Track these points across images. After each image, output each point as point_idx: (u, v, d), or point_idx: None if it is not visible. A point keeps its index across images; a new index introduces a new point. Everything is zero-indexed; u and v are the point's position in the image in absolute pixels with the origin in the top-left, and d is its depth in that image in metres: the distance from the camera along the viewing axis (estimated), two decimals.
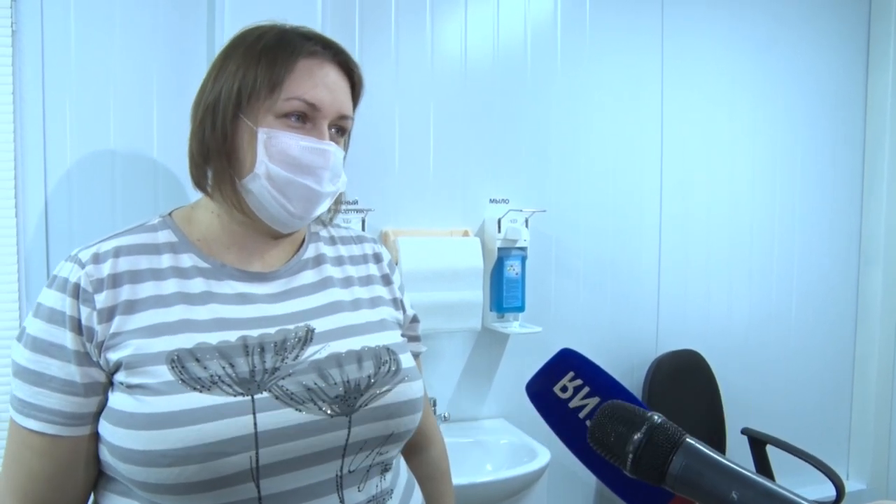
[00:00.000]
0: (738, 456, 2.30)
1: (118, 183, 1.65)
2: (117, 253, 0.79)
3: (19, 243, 1.56)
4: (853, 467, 2.70)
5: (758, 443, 2.19)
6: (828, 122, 2.59)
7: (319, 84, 0.83)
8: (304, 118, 0.83)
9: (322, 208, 0.87)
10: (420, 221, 2.01)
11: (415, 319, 1.03)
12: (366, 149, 1.90)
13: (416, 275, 1.87)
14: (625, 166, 2.27)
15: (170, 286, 0.80)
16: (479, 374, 2.11)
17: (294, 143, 0.81)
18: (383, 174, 1.97)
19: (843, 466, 2.70)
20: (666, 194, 2.34)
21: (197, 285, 0.81)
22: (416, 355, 0.97)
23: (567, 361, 0.68)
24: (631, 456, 0.52)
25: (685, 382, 2.29)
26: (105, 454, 0.76)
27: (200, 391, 0.73)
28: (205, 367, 0.74)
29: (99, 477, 0.80)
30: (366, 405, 0.80)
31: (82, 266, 0.77)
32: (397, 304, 0.98)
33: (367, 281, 0.96)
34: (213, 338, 0.77)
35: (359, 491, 0.82)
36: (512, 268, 2.04)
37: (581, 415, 0.66)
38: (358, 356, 0.83)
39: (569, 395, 0.67)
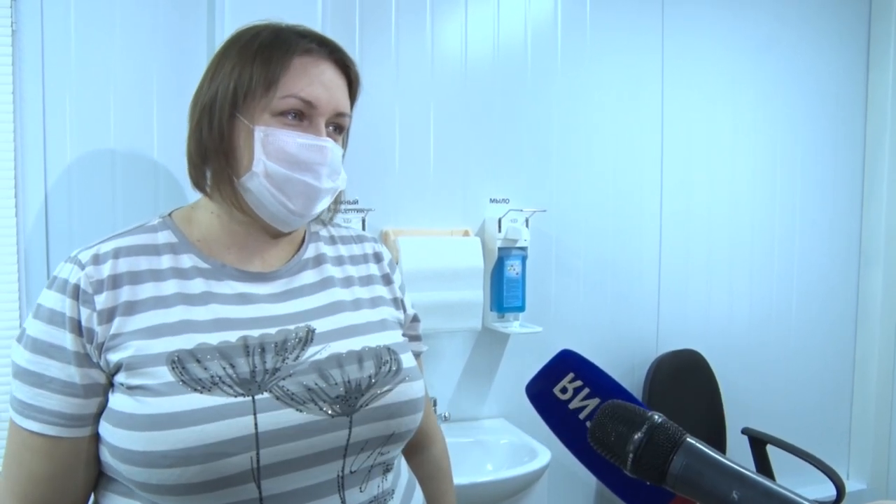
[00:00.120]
0: (738, 456, 2.30)
1: (118, 183, 1.65)
2: (117, 254, 0.79)
3: (19, 243, 1.56)
4: (853, 467, 2.70)
5: (758, 442, 2.19)
6: (828, 121, 2.59)
7: (315, 81, 0.83)
8: (301, 116, 0.83)
9: (322, 205, 0.87)
10: (420, 221, 2.01)
11: (415, 319, 1.02)
12: (366, 148, 1.90)
13: (417, 274, 1.87)
14: (625, 166, 2.27)
15: (170, 287, 0.80)
16: (479, 373, 2.11)
17: (291, 140, 0.81)
18: (384, 174, 1.97)
19: (844, 466, 2.70)
20: (666, 194, 2.34)
21: (197, 286, 0.81)
22: (416, 355, 0.97)
23: (567, 363, 0.68)
24: (631, 455, 0.52)
25: (685, 382, 2.29)
26: (105, 455, 0.76)
27: (201, 392, 0.73)
28: (205, 368, 0.74)
29: (99, 478, 0.80)
30: (367, 405, 0.80)
31: (82, 267, 0.77)
32: (398, 303, 0.98)
33: (367, 281, 0.95)
34: (214, 338, 0.77)
35: (360, 491, 0.81)
36: (512, 267, 2.04)
37: (581, 416, 0.66)
38: (359, 356, 0.83)
39: (569, 397, 0.67)
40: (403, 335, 0.95)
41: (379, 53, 1.94)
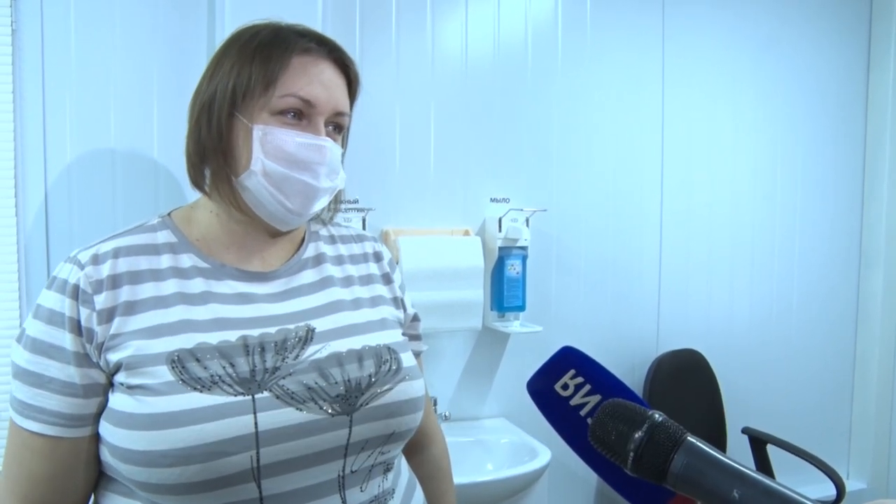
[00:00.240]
0: (738, 455, 2.29)
1: (118, 182, 1.65)
2: (116, 254, 0.79)
3: (19, 243, 1.56)
4: (853, 467, 2.70)
5: (758, 442, 2.19)
6: (829, 121, 2.59)
7: (314, 81, 0.83)
8: (300, 115, 0.83)
9: (320, 204, 0.87)
10: (421, 221, 2.01)
11: (415, 318, 1.02)
12: (366, 148, 1.90)
13: (417, 274, 1.87)
14: (626, 165, 2.27)
15: (169, 286, 0.79)
16: (479, 373, 2.11)
17: (290, 139, 0.81)
18: (384, 173, 1.97)
19: (844, 466, 2.70)
20: (667, 194, 2.34)
21: (197, 285, 0.81)
22: (416, 354, 0.97)
23: (568, 359, 0.68)
24: (632, 454, 0.52)
25: (686, 382, 2.29)
26: (106, 455, 0.76)
27: (201, 391, 0.73)
28: (205, 367, 0.74)
29: (99, 478, 0.80)
30: (367, 404, 0.80)
31: (81, 267, 0.77)
32: (398, 302, 0.98)
33: (367, 280, 0.95)
34: (214, 338, 0.77)
35: (361, 491, 0.81)
36: (513, 267, 2.04)
37: (582, 413, 0.66)
38: (359, 355, 0.83)
39: (570, 393, 0.67)
40: (403, 334, 0.94)
41: (379, 53, 1.94)
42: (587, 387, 0.66)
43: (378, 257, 0.99)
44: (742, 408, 2.43)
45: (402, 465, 0.94)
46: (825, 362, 2.63)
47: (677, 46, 2.32)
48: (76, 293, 0.75)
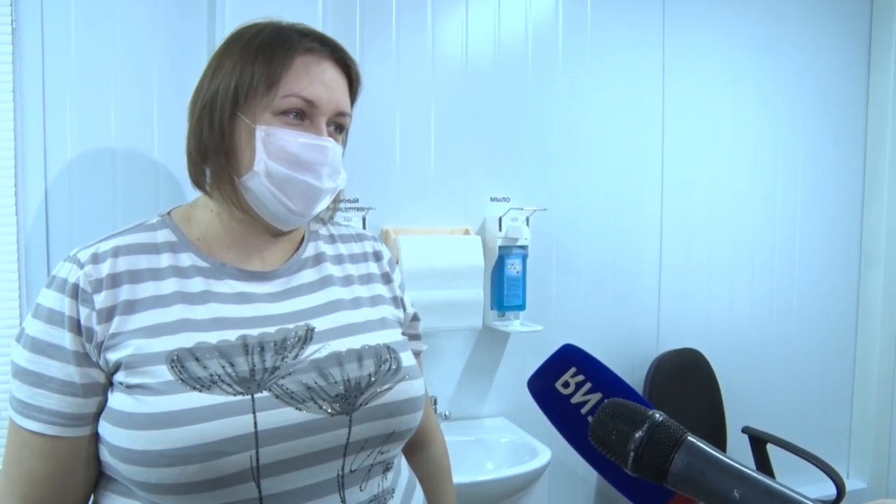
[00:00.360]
0: (738, 455, 2.29)
1: (119, 182, 1.65)
2: (116, 253, 0.79)
3: (19, 242, 1.56)
4: (854, 466, 2.69)
5: (758, 441, 2.19)
6: (829, 120, 2.59)
7: (317, 81, 0.83)
8: (302, 115, 0.83)
9: (322, 205, 0.87)
10: (421, 220, 2.01)
11: (415, 318, 1.02)
12: (367, 147, 1.90)
13: (417, 273, 1.87)
14: (626, 165, 2.27)
15: (169, 286, 0.79)
16: (479, 372, 2.11)
17: (293, 139, 0.81)
18: (384, 173, 1.97)
19: (844, 465, 2.70)
20: (667, 193, 2.34)
21: (196, 284, 0.81)
22: (416, 354, 0.97)
23: (569, 357, 0.68)
24: (632, 454, 0.52)
25: (686, 381, 2.29)
26: (105, 454, 0.76)
27: (200, 391, 0.73)
28: (204, 367, 0.74)
29: (99, 477, 0.80)
30: (366, 404, 0.80)
31: (81, 266, 0.77)
32: (397, 302, 0.98)
33: (367, 279, 0.95)
34: (213, 337, 0.77)
35: (360, 490, 0.81)
36: (513, 266, 2.04)
37: (583, 411, 0.66)
38: (358, 355, 0.83)
39: (571, 391, 0.66)
40: (403, 334, 0.94)
41: (379, 52, 1.94)
42: (588, 385, 0.66)
43: (378, 256, 0.99)
44: (742, 407, 2.43)
45: (402, 464, 0.94)
46: (825, 362, 2.63)
47: (677, 46, 2.32)
48: (76, 292, 0.75)
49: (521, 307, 2.07)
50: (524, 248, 2.07)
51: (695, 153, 2.38)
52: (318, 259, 0.92)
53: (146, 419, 0.71)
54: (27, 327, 0.76)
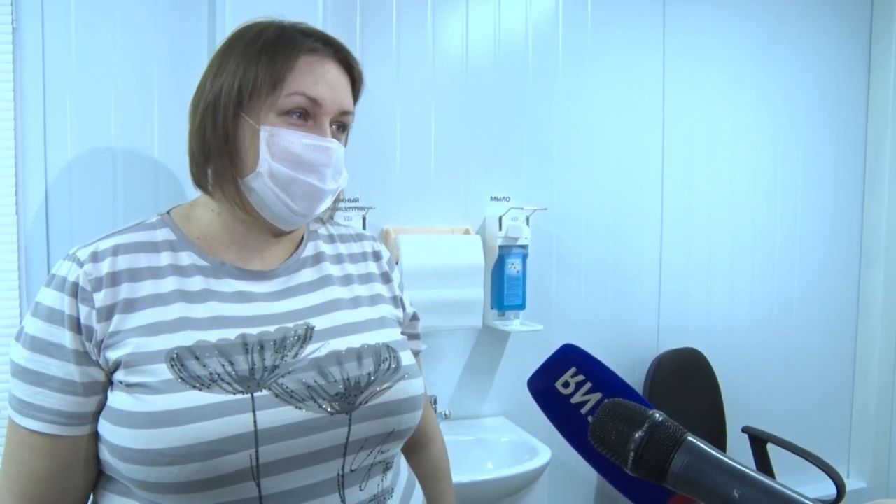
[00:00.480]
0: (738, 454, 2.29)
1: (119, 181, 1.65)
2: (116, 251, 0.79)
3: (20, 241, 1.56)
4: (854, 466, 2.70)
5: (758, 441, 2.19)
6: (829, 120, 2.59)
7: (320, 81, 0.83)
8: (306, 116, 0.83)
9: (325, 205, 0.87)
10: (421, 219, 2.01)
11: (414, 317, 1.02)
12: (367, 147, 1.90)
13: (418, 273, 1.87)
14: (626, 164, 2.27)
15: (169, 284, 0.79)
16: (479, 372, 2.11)
17: (297, 140, 0.81)
18: (384, 172, 1.97)
19: (844, 465, 2.70)
20: (667, 193, 2.34)
21: (196, 283, 0.81)
22: (415, 353, 0.97)
23: (569, 357, 0.68)
24: (632, 454, 0.52)
25: (686, 381, 2.29)
26: (105, 453, 0.76)
27: (200, 389, 0.73)
28: (204, 366, 0.74)
29: (98, 477, 0.80)
30: (366, 403, 0.80)
31: (81, 265, 0.77)
32: (397, 301, 0.98)
33: (366, 279, 0.95)
34: (213, 336, 0.77)
35: (360, 490, 0.81)
36: (513, 266, 2.04)
37: (583, 411, 0.66)
38: (358, 354, 0.83)
39: (571, 391, 0.66)
40: (402, 333, 0.94)
41: (380, 52, 1.94)
42: (588, 385, 0.66)
43: (377, 256, 0.99)
44: (742, 407, 2.43)
45: (402, 464, 0.94)
46: (825, 361, 2.63)
47: (678, 46, 2.32)
48: (75, 291, 0.75)
49: (522, 307, 2.07)
50: (524, 247, 2.07)
51: (695, 153, 2.38)
52: (318, 259, 0.92)
53: (146, 418, 0.71)
54: (27, 326, 0.76)
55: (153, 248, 0.82)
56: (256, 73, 0.80)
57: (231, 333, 0.78)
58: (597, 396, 0.66)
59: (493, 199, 2.08)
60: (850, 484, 2.53)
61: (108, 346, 0.74)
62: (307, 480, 0.77)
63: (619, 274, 2.28)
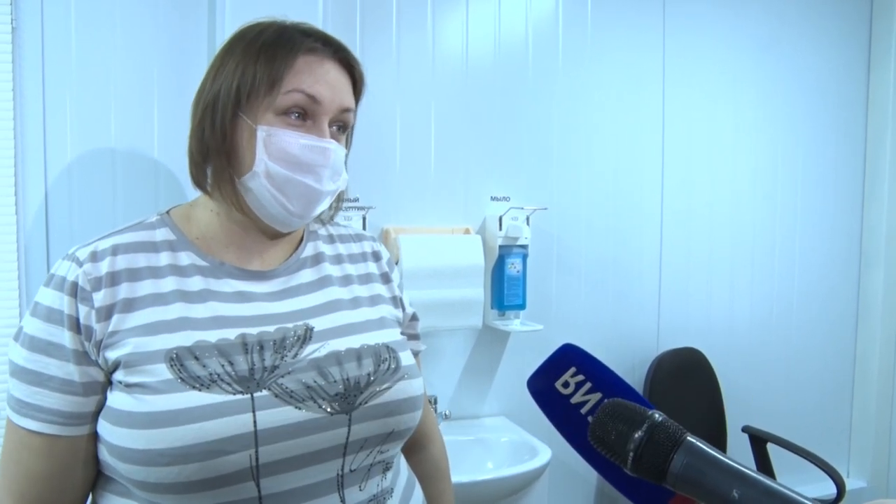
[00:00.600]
0: (738, 454, 2.30)
1: (119, 181, 1.65)
2: (115, 251, 0.79)
3: (19, 241, 1.56)
4: (854, 465, 2.70)
5: (759, 441, 2.18)
6: (829, 120, 2.59)
7: (320, 80, 0.82)
8: (305, 115, 0.82)
9: (322, 207, 0.87)
10: (421, 219, 2.01)
11: (414, 318, 1.02)
12: (367, 146, 1.90)
13: (418, 272, 1.87)
14: (626, 164, 2.27)
15: (168, 284, 0.79)
16: (480, 371, 2.11)
17: (294, 140, 0.81)
18: (384, 172, 1.97)
19: (844, 464, 2.70)
20: (667, 192, 2.34)
21: (195, 283, 0.81)
22: (415, 354, 0.97)
23: (569, 357, 0.68)
24: (632, 454, 0.52)
25: (686, 380, 2.29)
26: (104, 454, 0.76)
27: (199, 389, 0.72)
28: (204, 366, 0.74)
29: (97, 477, 0.80)
30: (365, 403, 0.80)
31: (80, 264, 0.77)
32: (396, 302, 0.98)
33: (366, 279, 0.95)
34: (212, 336, 0.77)
35: (360, 490, 0.81)
36: (513, 265, 2.04)
37: (583, 411, 0.66)
38: (357, 354, 0.83)
39: (570, 391, 0.66)
40: (402, 334, 0.94)
41: (380, 51, 1.94)
42: (588, 385, 0.66)
43: (377, 256, 0.99)
44: (742, 406, 2.43)
45: (402, 464, 0.94)
46: (825, 361, 2.63)
47: (678, 46, 2.32)
48: (75, 290, 0.75)
49: (522, 306, 2.07)
50: (524, 247, 2.07)
51: (695, 153, 2.38)
52: (317, 259, 0.92)
53: (145, 418, 0.71)
54: (25, 326, 0.76)
55: (152, 247, 0.82)
56: (255, 73, 0.80)
57: (231, 333, 0.78)
58: (597, 396, 0.66)
59: (493, 198, 2.08)
60: (850, 483, 2.54)
61: (107, 345, 0.74)
62: (307, 480, 0.77)
63: (619, 274, 2.28)
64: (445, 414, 2.00)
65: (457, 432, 1.95)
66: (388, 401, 0.82)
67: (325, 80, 0.83)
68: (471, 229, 2.05)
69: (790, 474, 2.20)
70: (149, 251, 0.81)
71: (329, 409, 0.77)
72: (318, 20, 1.66)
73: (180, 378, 0.73)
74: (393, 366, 0.85)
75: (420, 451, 1.04)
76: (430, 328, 1.89)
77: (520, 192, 2.11)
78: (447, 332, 2.04)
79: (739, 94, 2.43)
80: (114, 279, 0.77)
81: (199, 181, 0.86)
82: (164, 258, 0.81)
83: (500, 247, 2.03)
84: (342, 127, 0.88)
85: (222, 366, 0.75)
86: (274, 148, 0.80)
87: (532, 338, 2.11)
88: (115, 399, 0.74)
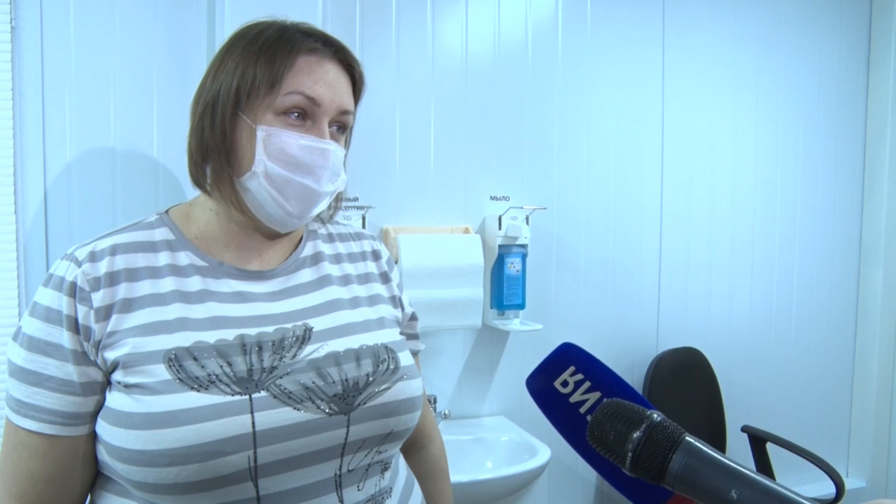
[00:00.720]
0: (738, 453, 2.30)
1: (118, 181, 1.65)
2: (114, 251, 0.79)
3: (18, 241, 1.55)
4: (853, 465, 2.70)
5: (758, 440, 2.18)
6: (829, 118, 2.59)
7: (320, 81, 0.82)
8: (304, 116, 0.82)
9: (320, 207, 0.87)
10: (421, 219, 2.01)
11: (413, 317, 1.02)
12: (366, 146, 1.90)
13: (417, 272, 1.87)
14: (626, 163, 2.27)
15: (167, 284, 0.79)
16: (479, 371, 2.11)
17: (293, 141, 0.81)
18: (384, 171, 1.96)
19: (843, 464, 2.70)
20: (667, 192, 2.34)
21: (194, 283, 0.81)
22: (414, 353, 0.96)
23: (568, 356, 0.68)
24: (630, 454, 0.52)
25: (686, 380, 2.29)
26: (103, 454, 0.76)
27: (198, 390, 0.72)
28: (202, 366, 0.74)
29: (96, 477, 0.80)
30: (364, 404, 0.80)
31: (79, 264, 0.77)
32: (396, 301, 0.97)
33: (365, 279, 0.95)
34: (211, 336, 0.77)
35: (358, 490, 0.81)
36: (512, 265, 2.04)
37: (582, 410, 0.66)
38: (356, 354, 0.83)
39: (569, 390, 0.66)
40: (401, 333, 0.94)
41: (379, 51, 1.94)
42: (587, 384, 0.66)
43: (376, 256, 0.99)
44: (742, 406, 2.43)
45: (400, 464, 0.94)
46: (825, 361, 2.63)
47: (678, 44, 2.32)
48: (73, 290, 0.75)
49: (521, 306, 2.07)
50: (524, 246, 2.07)
51: (695, 152, 2.38)
52: (317, 258, 0.92)
53: (144, 419, 0.71)
54: (24, 326, 0.76)
55: (151, 247, 0.82)
56: (255, 73, 0.80)
57: (229, 334, 0.78)
58: (596, 395, 0.66)
59: (492, 198, 2.08)
60: (850, 483, 2.54)
61: (106, 346, 0.74)
62: (305, 481, 0.77)
63: (619, 273, 2.28)
64: (445, 413, 2.00)
65: (456, 432, 1.95)
66: (386, 401, 0.82)
67: (325, 81, 0.83)
68: (470, 229, 2.05)
69: (789, 474, 2.21)
70: (147, 251, 0.81)
71: (327, 410, 0.77)
72: (317, 20, 1.66)
73: (179, 379, 0.73)
74: (392, 366, 0.85)
75: (419, 450, 1.04)
76: (430, 328, 1.89)
77: (519, 191, 2.11)
78: (446, 332, 2.04)
79: (739, 93, 2.43)
80: (112, 279, 0.77)
81: (198, 180, 0.86)
82: (162, 258, 0.81)
83: (500, 246, 2.03)
84: (341, 127, 0.88)
85: (221, 366, 0.75)
86: (273, 148, 0.80)
87: (531, 337, 2.11)
88: (114, 399, 0.74)
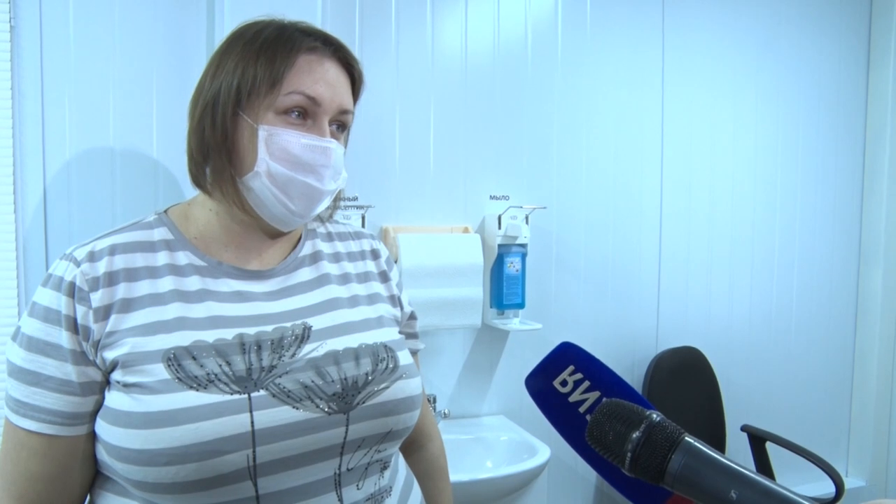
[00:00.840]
0: (737, 453, 2.30)
1: (118, 180, 1.65)
2: (113, 251, 0.79)
3: (18, 241, 1.55)
4: (853, 464, 2.70)
5: (758, 440, 2.18)
6: (829, 118, 2.59)
7: (320, 80, 0.82)
8: (305, 115, 0.82)
9: (323, 206, 0.87)
10: (420, 218, 2.01)
11: (412, 317, 1.02)
12: (366, 145, 1.90)
13: (417, 271, 1.87)
14: (626, 163, 2.27)
15: (166, 284, 0.79)
16: (479, 370, 2.11)
17: (295, 140, 0.81)
18: (384, 171, 1.96)
19: (843, 464, 2.70)
20: (667, 191, 2.34)
21: (193, 283, 0.81)
22: (413, 352, 0.96)
23: (567, 355, 0.68)
24: (629, 455, 0.52)
25: (685, 379, 2.29)
26: (102, 454, 0.76)
27: (197, 389, 0.72)
28: (201, 366, 0.74)
29: (96, 477, 0.80)
30: (363, 402, 0.80)
31: (78, 264, 0.76)
32: (395, 300, 0.97)
33: (364, 278, 0.95)
34: (210, 336, 0.77)
35: (357, 489, 0.81)
36: (512, 264, 2.04)
37: (581, 409, 0.66)
38: (355, 353, 0.83)
39: (569, 390, 0.66)
40: (400, 332, 0.94)
41: (379, 50, 1.94)
42: (586, 383, 0.66)
43: (375, 255, 0.99)
44: (741, 405, 2.43)
45: (400, 462, 0.94)
46: (825, 360, 2.64)
47: (677, 44, 2.32)
48: (72, 290, 0.75)
49: (521, 305, 2.07)
50: (524, 246, 2.07)
51: (694, 151, 2.38)
52: (316, 257, 0.92)
53: (143, 418, 0.71)
54: (23, 326, 0.75)
55: (150, 247, 0.82)
56: (255, 72, 0.80)
57: (228, 333, 0.78)
58: (595, 395, 0.66)
59: (492, 197, 2.08)
60: (849, 482, 2.54)
61: (105, 345, 0.74)
62: (304, 480, 0.77)
63: (619, 273, 2.28)
64: (444, 413, 2.00)
65: (456, 431, 1.95)
66: (385, 400, 0.82)
67: (325, 80, 0.83)
68: (470, 228, 2.05)
69: (789, 473, 2.21)
70: (146, 251, 0.81)
71: (326, 409, 0.77)
72: (317, 19, 1.66)
73: (178, 378, 0.73)
74: (391, 365, 0.85)
75: (419, 449, 1.04)
76: (430, 327, 1.89)
77: (519, 190, 2.11)
78: (446, 331, 2.04)
79: (739, 92, 2.43)
80: (111, 279, 0.77)
81: (198, 180, 0.86)
82: (161, 258, 0.81)
83: (500, 246, 2.03)
84: (341, 126, 0.88)
85: (220, 366, 0.75)
86: (275, 147, 0.80)
87: (531, 337, 2.11)
88: (113, 399, 0.74)
